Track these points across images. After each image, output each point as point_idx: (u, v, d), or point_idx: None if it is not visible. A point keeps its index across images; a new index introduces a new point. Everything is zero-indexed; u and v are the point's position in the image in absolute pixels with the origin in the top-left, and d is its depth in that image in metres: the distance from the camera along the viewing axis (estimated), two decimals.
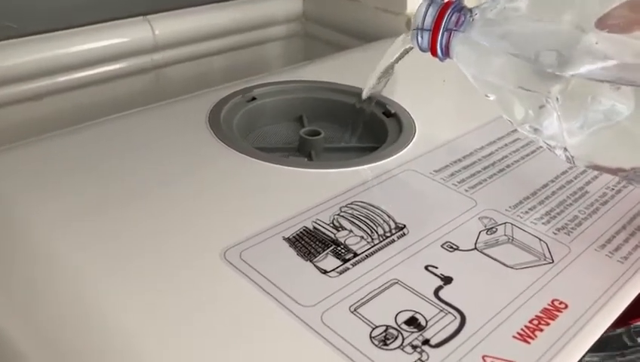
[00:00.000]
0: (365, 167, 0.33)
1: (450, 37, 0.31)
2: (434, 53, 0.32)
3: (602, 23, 0.26)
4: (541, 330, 0.23)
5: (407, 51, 0.35)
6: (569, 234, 0.28)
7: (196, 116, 0.37)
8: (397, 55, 0.35)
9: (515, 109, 0.30)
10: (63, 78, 0.48)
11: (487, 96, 0.31)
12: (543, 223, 0.29)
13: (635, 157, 0.28)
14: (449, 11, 0.31)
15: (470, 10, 0.31)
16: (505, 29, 0.30)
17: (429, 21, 0.32)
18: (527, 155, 0.35)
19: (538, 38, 0.29)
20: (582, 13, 0.28)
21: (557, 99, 0.27)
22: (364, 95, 0.37)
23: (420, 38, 0.32)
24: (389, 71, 0.36)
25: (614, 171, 0.30)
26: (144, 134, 0.36)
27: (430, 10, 0.31)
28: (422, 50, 0.33)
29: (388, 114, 0.39)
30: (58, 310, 0.25)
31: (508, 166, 0.34)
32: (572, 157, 0.29)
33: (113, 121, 0.37)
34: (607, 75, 0.27)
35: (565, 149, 0.29)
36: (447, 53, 0.32)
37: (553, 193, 0.32)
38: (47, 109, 0.48)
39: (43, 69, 0.47)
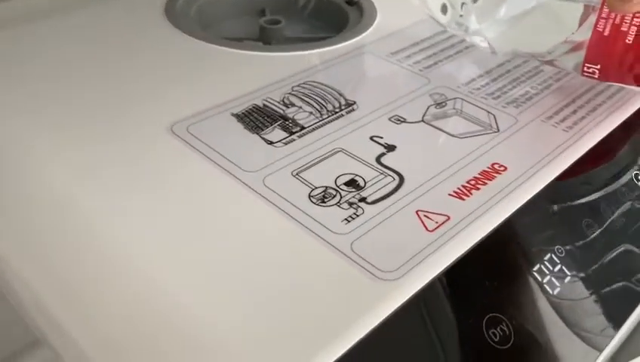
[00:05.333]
0: (322, 50, 0.33)
1: None
2: None
3: None
4: (478, 189, 0.24)
5: None
6: (518, 108, 0.29)
7: (152, 7, 0.36)
8: None
9: (440, 9, 0.31)
10: None
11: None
12: (493, 98, 0.29)
13: (546, 41, 0.28)
14: None
15: None
16: None
17: None
18: None
19: None
20: None
21: None
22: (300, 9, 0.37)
23: None
24: None
25: (532, 56, 0.30)
26: (99, 25, 0.35)
27: None
28: None
29: (350, 2, 0.38)
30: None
31: (466, 48, 0.33)
32: (494, 48, 0.30)
33: (67, 15, 0.37)
34: None
35: (488, 42, 0.29)
36: None
37: (508, 71, 0.31)
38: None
39: None
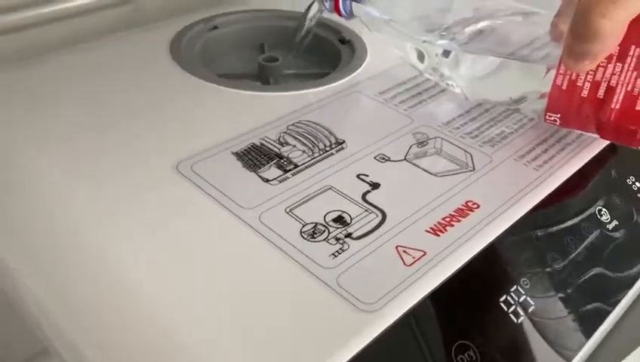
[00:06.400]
0: (315, 90, 0.36)
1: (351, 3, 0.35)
2: (340, 14, 0.36)
3: None
4: (452, 226, 0.26)
5: (321, 12, 0.38)
6: (493, 147, 0.31)
7: (159, 44, 0.39)
8: (313, 16, 0.38)
9: (417, 57, 0.34)
10: (44, 10, 0.49)
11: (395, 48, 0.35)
12: (471, 137, 0.32)
13: (513, 92, 0.31)
14: None
15: None
16: None
17: None
18: None
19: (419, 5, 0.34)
20: None
21: (444, 52, 0.31)
22: (297, 46, 0.40)
23: (326, 4, 0.36)
24: (310, 28, 0.39)
25: (500, 103, 0.33)
26: (109, 62, 0.38)
27: None
28: (330, 12, 0.36)
29: (343, 41, 0.41)
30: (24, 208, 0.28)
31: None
32: (466, 95, 0.33)
33: (81, 51, 0.40)
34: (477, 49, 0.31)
35: (460, 89, 0.33)
36: (352, 14, 0.35)
37: (486, 110, 0.34)
38: (28, 41, 0.49)
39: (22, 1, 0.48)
